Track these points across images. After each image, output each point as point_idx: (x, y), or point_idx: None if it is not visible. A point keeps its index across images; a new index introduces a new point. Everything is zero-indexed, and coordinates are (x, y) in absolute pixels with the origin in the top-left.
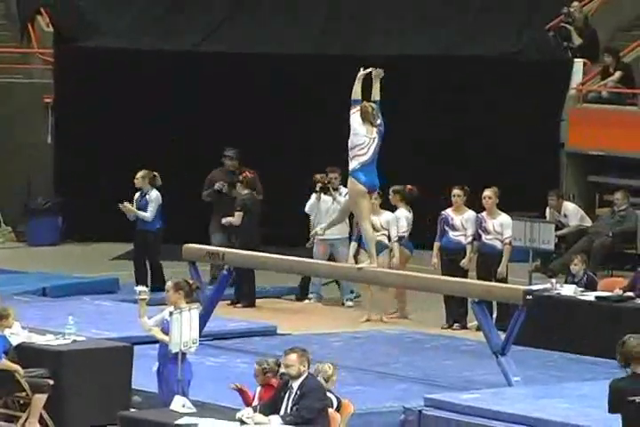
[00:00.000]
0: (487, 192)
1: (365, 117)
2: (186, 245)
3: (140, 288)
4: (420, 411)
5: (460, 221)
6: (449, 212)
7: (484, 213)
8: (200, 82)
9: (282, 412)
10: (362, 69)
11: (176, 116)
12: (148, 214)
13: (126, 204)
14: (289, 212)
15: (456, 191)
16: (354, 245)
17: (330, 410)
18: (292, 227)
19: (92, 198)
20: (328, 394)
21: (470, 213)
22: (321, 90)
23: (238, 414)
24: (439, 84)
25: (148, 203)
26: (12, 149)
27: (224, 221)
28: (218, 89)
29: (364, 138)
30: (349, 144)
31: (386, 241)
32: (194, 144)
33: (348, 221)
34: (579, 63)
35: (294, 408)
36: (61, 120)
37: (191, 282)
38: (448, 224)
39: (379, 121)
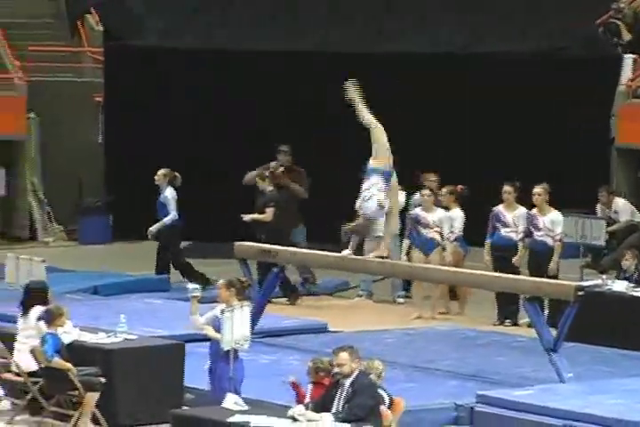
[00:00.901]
0: (537, 189)
1: None
2: (237, 243)
3: (192, 286)
4: (471, 408)
5: (511, 217)
6: (500, 208)
7: (534, 210)
8: (241, 80)
9: (333, 410)
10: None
11: (221, 114)
12: (172, 215)
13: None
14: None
15: (507, 188)
16: (406, 242)
17: (382, 407)
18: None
19: (143, 197)
20: (379, 391)
21: (521, 210)
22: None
23: (290, 412)
24: (484, 81)
25: (165, 204)
26: (64, 149)
27: (247, 218)
28: (252, 88)
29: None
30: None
31: (438, 238)
32: (238, 141)
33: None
34: (628, 59)
35: (346, 406)
36: (111, 119)
37: (243, 280)
38: (499, 221)
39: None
